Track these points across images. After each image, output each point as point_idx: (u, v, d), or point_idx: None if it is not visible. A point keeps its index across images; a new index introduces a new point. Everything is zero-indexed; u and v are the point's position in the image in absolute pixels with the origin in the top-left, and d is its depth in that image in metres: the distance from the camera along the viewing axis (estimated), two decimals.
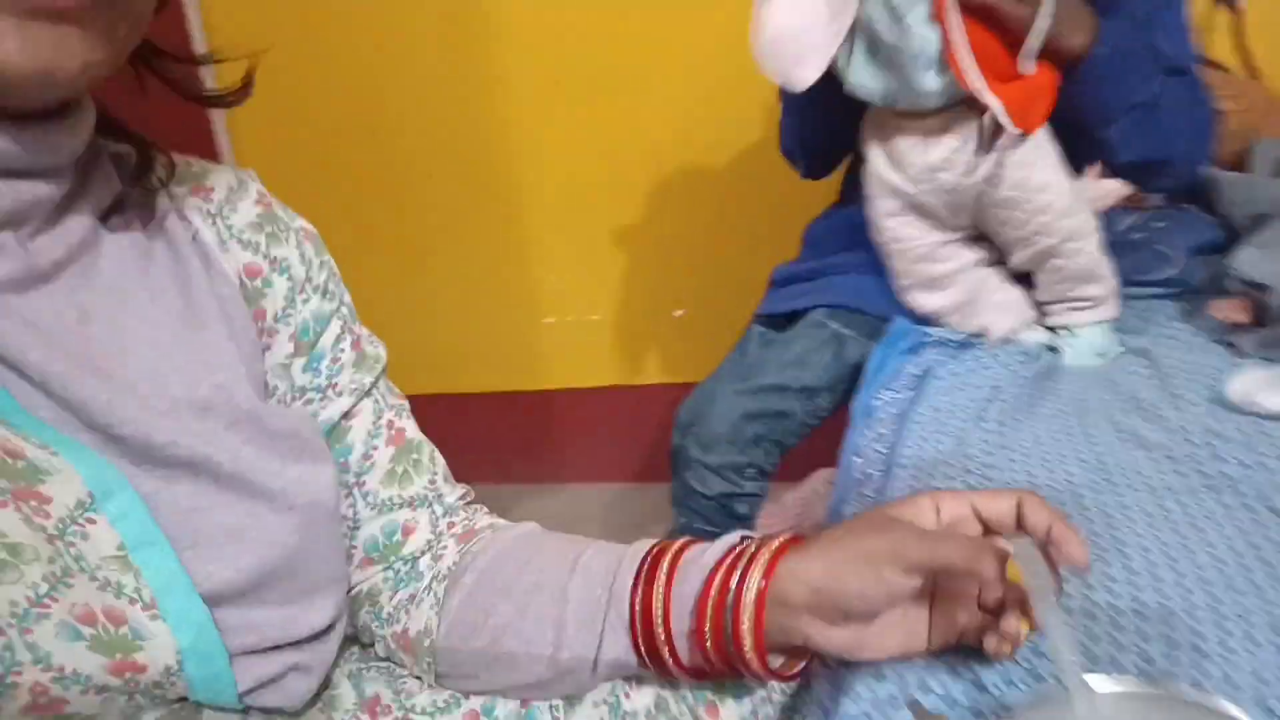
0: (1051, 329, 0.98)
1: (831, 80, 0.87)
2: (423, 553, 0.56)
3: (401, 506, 0.55)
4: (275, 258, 0.52)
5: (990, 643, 0.44)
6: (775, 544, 0.47)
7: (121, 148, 0.49)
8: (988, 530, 0.46)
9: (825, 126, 1.03)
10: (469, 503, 0.60)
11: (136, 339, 0.43)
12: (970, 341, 0.99)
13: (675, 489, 1.16)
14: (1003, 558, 0.43)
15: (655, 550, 0.50)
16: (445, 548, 0.56)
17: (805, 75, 0.83)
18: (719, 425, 1.05)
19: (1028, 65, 0.82)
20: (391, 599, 0.55)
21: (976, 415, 0.82)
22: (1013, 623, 0.43)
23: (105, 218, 0.46)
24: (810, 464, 1.56)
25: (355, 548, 0.54)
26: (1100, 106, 0.87)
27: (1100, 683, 0.39)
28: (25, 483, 0.36)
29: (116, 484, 0.39)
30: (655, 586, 0.48)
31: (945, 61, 0.81)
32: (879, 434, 0.83)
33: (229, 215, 0.52)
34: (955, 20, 0.78)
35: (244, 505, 0.43)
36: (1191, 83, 0.92)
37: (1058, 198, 0.89)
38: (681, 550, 0.50)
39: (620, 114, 1.71)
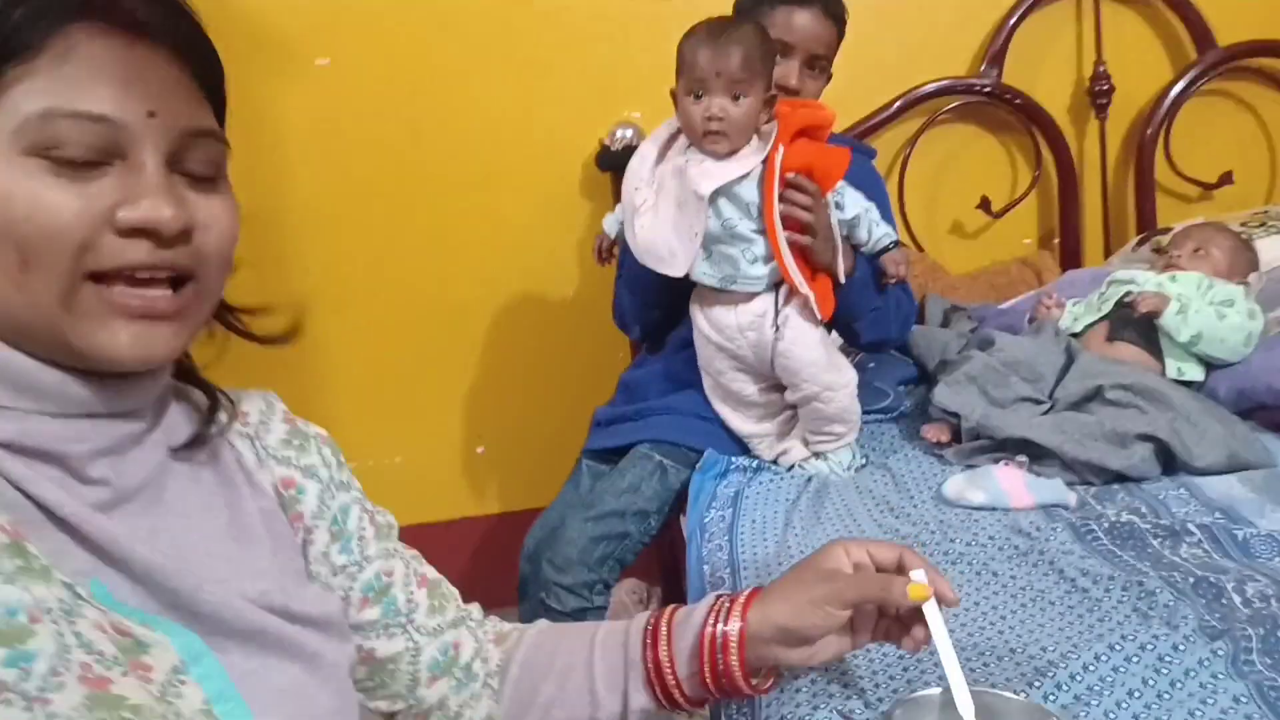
0: (815, 453, 1.29)
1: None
2: (473, 659, 0.68)
3: (446, 629, 0.67)
4: (304, 466, 0.62)
5: (906, 644, 0.66)
6: (742, 597, 0.67)
7: (194, 393, 0.58)
8: (879, 569, 0.68)
9: (661, 305, 1.32)
10: (486, 614, 0.74)
11: (195, 551, 0.53)
12: (761, 465, 1.28)
13: (525, 613, 1.32)
14: (903, 584, 0.65)
15: (653, 621, 0.69)
16: (488, 651, 0.70)
17: (675, 270, 1.15)
18: (571, 549, 1.23)
19: (838, 278, 1.19)
20: (457, 700, 0.68)
21: (785, 523, 1.09)
22: (921, 631, 0.65)
23: (174, 451, 0.55)
24: None
25: (420, 671, 0.66)
26: (851, 308, 1.24)
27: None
28: (134, 655, 0.45)
29: (200, 650, 0.49)
30: (660, 648, 0.67)
31: (768, 259, 1.15)
32: (718, 545, 1.07)
33: (264, 435, 0.61)
34: (784, 241, 1.12)
35: (293, 669, 0.54)
36: (904, 288, 1.31)
37: (818, 358, 1.22)
38: (671, 616, 0.69)
39: (423, 265, 1.87)
